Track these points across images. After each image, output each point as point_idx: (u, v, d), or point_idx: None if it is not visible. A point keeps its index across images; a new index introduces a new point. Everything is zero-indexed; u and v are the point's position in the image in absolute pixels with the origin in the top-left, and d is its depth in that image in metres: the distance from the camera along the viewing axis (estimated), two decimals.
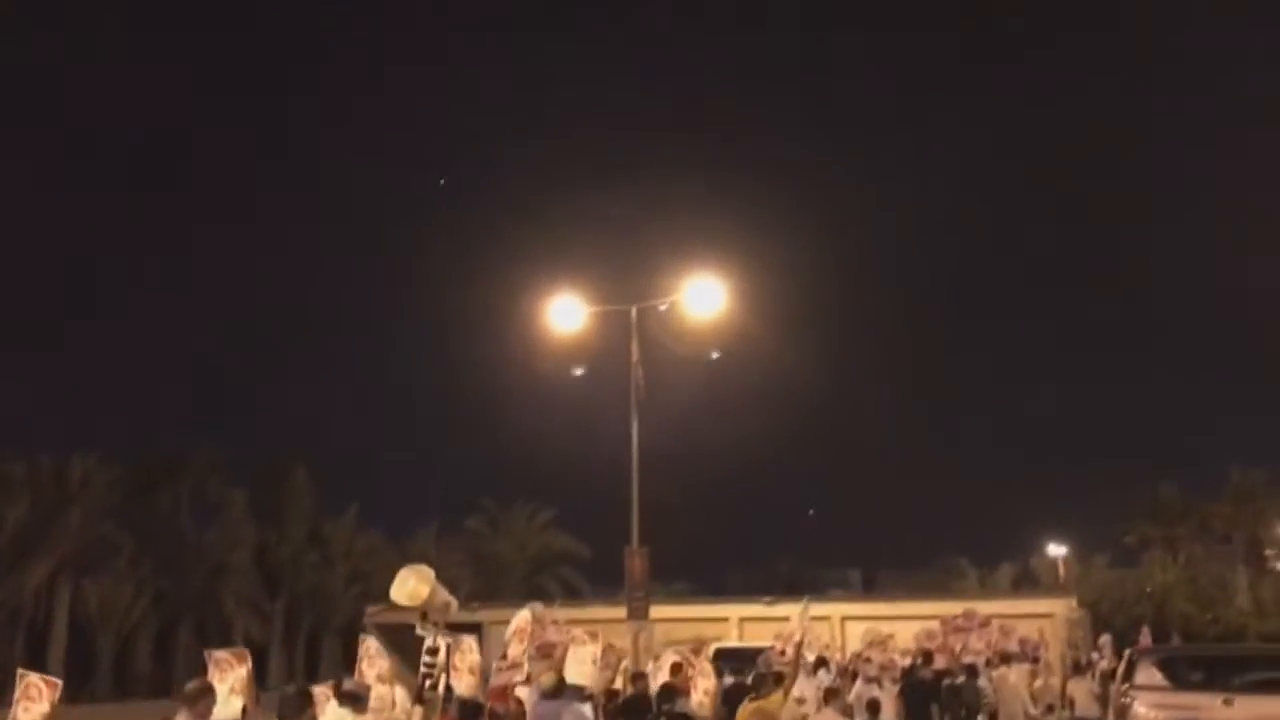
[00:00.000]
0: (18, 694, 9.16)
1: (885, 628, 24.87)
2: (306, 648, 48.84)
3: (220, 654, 10.00)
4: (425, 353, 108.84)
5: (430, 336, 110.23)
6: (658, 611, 24.03)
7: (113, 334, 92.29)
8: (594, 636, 13.19)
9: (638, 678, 12.91)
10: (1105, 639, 24.69)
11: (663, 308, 23.35)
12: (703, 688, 12.11)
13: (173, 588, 45.14)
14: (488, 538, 55.88)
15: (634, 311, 22.98)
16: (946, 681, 17.71)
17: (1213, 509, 53.76)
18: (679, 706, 11.43)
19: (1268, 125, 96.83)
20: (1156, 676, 15.78)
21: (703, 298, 23.12)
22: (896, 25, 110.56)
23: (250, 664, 9.94)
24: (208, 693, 7.77)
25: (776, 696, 11.11)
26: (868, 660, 18.70)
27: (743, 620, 34.02)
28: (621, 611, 22.19)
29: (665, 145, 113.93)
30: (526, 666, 11.94)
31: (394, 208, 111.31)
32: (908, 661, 19.36)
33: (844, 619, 30.01)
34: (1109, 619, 35.58)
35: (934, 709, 16.25)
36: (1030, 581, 54.48)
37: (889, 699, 16.18)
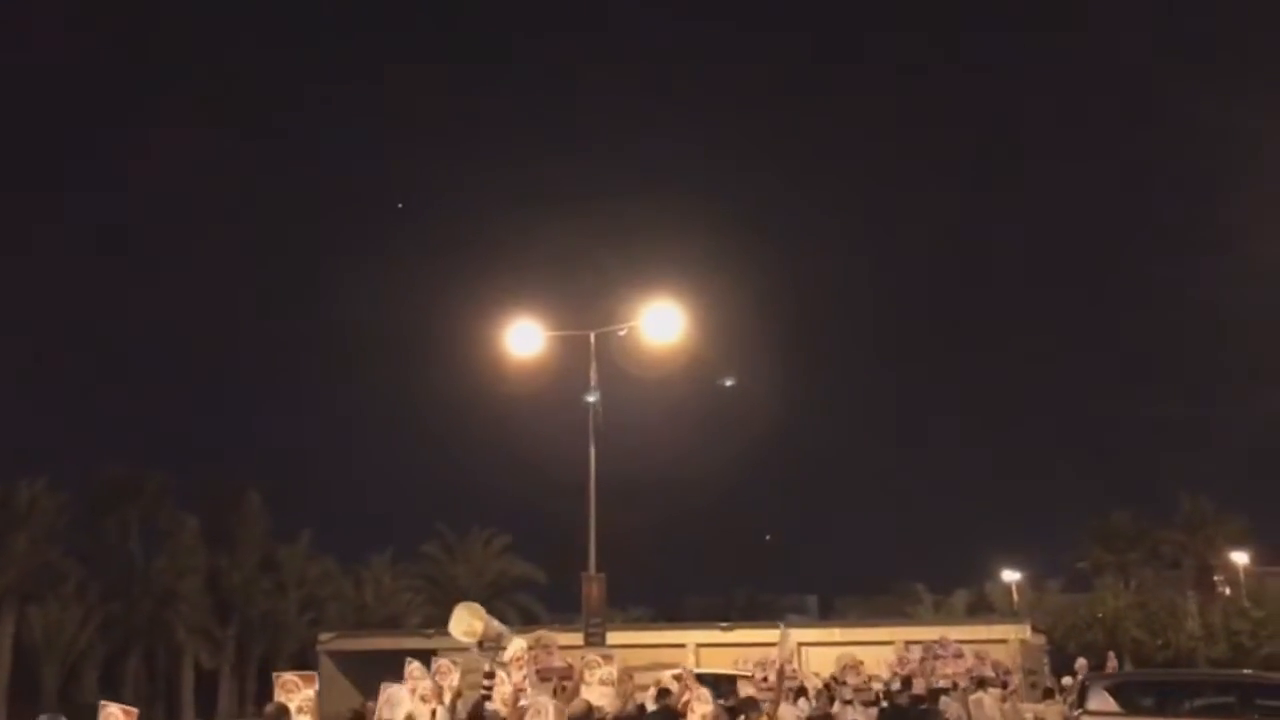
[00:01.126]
0: None
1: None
2: (259, 675, 48.11)
3: (287, 676, 10.42)
4: (381, 378, 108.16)
5: (386, 361, 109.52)
6: (615, 637, 23.96)
7: (60, 359, 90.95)
8: (609, 659, 13.48)
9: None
10: (1081, 663, 25.02)
11: (621, 333, 23.40)
12: (700, 712, 12.19)
13: (121, 614, 44.36)
14: (444, 564, 55.44)
15: (592, 337, 23.01)
16: (921, 707, 18.10)
17: (1163, 535, 54.51)
18: None
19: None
20: (1108, 702, 15.99)
21: (661, 324, 23.19)
22: (859, 55, 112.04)
23: (317, 686, 10.43)
24: (285, 713, 8.79)
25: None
26: (843, 684, 19.09)
27: (699, 646, 33.94)
28: (579, 637, 22.06)
29: (623, 172, 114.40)
30: (530, 692, 12.15)
31: (350, 233, 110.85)
32: (880, 685, 19.67)
33: (801, 645, 30.02)
34: (1062, 644, 35.88)
35: None
36: (985, 607, 54.84)
37: None
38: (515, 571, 54.97)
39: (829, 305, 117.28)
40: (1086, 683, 17.25)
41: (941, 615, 53.08)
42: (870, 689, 19.53)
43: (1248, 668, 34.64)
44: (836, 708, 17.28)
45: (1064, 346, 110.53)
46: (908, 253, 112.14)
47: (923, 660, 23.31)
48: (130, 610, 44.60)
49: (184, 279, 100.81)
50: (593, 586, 22.06)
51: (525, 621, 48.49)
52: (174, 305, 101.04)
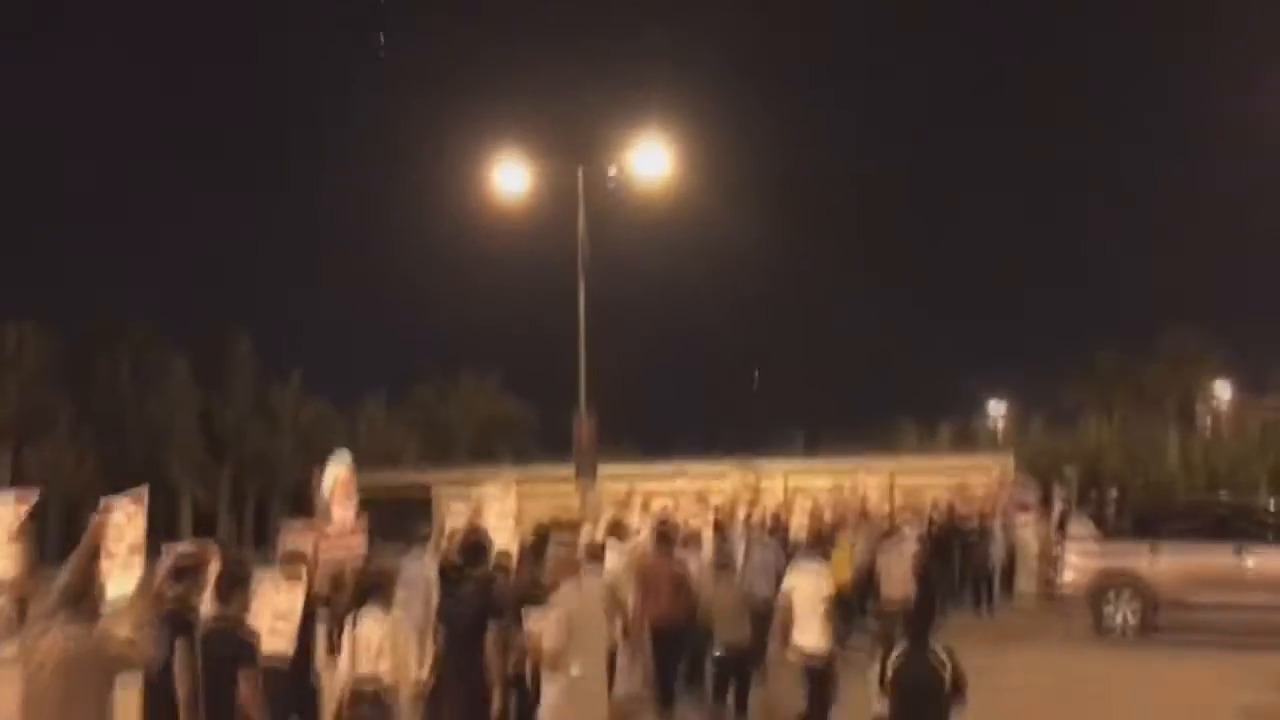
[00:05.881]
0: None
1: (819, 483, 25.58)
2: (255, 514, 49.03)
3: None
4: (368, 219, 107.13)
5: (373, 203, 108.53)
6: (605, 470, 24.24)
7: (48, 204, 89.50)
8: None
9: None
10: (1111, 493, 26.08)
11: (611, 172, 23.03)
12: (796, 524, 15.14)
13: (116, 454, 44.79)
14: (436, 405, 55.96)
15: (580, 172, 22.63)
16: (967, 528, 19.73)
17: (1147, 371, 55.06)
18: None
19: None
20: (1087, 526, 16.38)
21: (650, 161, 22.85)
22: None
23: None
24: (483, 539, 10.45)
25: (845, 543, 14.82)
26: (904, 512, 20.31)
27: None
28: (570, 471, 22.50)
29: (610, 6, 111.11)
30: None
31: (332, 73, 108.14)
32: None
33: (788, 474, 30.52)
34: (1045, 477, 36.58)
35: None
36: (970, 440, 55.58)
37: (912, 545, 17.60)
38: (507, 410, 55.58)
39: (820, 143, 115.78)
40: (1067, 509, 17.68)
41: (926, 447, 53.95)
42: (923, 518, 20.59)
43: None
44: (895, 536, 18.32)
45: (1056, 185, 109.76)
46: (905, 94, 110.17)
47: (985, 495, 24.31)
48: (125, 450, 45.01)
49: (172, 127, 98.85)
50: (584, 425, 22.38)
51: (517, 460, 49.18)
52: (159, 152, 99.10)
